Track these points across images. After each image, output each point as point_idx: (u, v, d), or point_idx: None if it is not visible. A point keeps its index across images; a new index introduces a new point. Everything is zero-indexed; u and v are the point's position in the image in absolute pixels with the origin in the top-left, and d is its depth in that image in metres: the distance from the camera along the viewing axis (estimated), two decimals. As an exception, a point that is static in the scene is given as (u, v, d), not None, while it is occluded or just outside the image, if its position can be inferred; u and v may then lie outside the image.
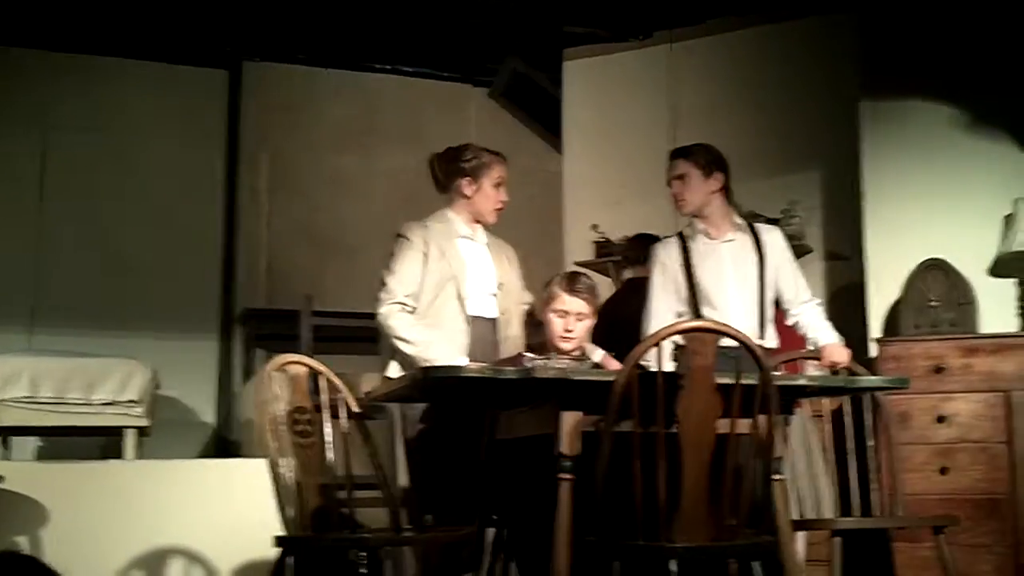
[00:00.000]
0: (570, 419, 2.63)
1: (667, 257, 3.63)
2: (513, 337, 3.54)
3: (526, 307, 3.66)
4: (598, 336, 4.33)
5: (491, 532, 3.20)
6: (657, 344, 2.51)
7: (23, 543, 4.06)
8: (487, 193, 3.56)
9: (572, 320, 3.28)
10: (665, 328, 2.57)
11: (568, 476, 2.59)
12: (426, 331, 3.35)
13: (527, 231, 6.40)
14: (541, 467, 2.71)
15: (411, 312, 3.40)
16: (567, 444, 2.61)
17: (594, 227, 5.67)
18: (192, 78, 6.50)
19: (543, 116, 6.84)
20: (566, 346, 3.26)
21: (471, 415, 3.16)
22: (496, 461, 3.11)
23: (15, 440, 5.17)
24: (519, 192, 6.69)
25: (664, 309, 3.58)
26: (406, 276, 3.43)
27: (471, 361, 3.30)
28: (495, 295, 3.52)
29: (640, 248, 4.50)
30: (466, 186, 3.56)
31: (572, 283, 3.29)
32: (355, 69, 6.82)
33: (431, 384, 2.79)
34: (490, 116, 7.05)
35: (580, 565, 2.59)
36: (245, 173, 6.59)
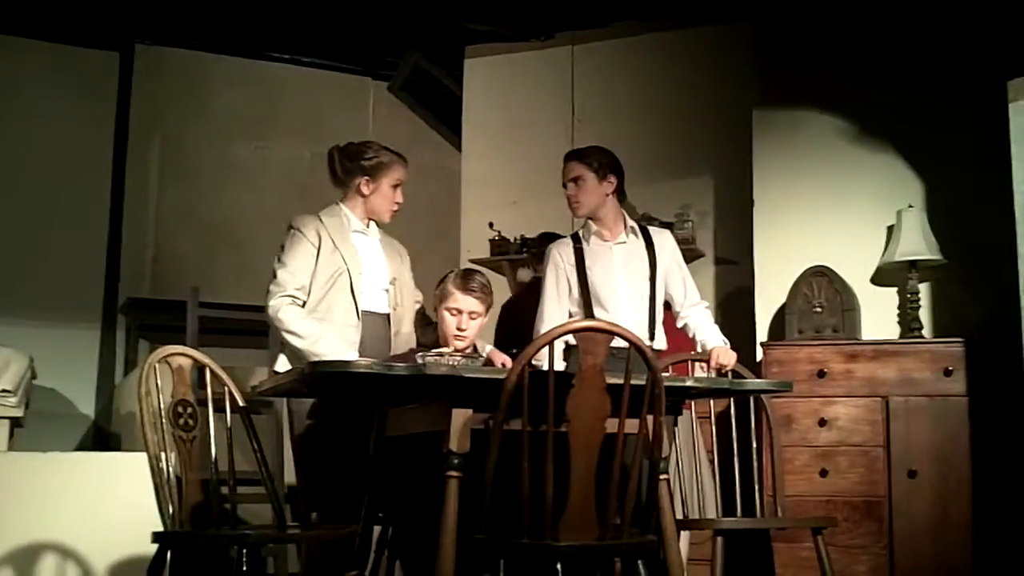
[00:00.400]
0: (460, 416, 2.61)
1: (560, 258, 3.65)
2: (405, 334, 3.50)
3: (418, 305, 3.63)
4: (501, 333, 4.33)
5: (377, 530, 3.16)
6: (549, 343, 2.51)
7: None
8: (384, 193, 3.52)
9: (465, 319, 3.27)
10: (557, 327, 2.57)
11: (456, 474, 2.58)
12: (316, 325, 3.29)
13: (424, 227, 6.39)
14: (429, 465, 2.69)
15: (301, 306, 3.33)
16: (456, 441, 2.60)
17: (491, 225, 5.67)
18: (84, 58, 6.28)
19: (443, 112, 6.81)
20: (459, 344, 3.25)
21: (360, 411, 3.11)
22: (384, 458, 3.07)
23: None
24: (417, 188, 6.64)
25: (556, 309, 3.61)
26: (297, 269, 3.36)
27: (361, 356, 3.25)
28: (387, 290, 3.48)
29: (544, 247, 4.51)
30: (364, 184, 3.51)
31: (466, 281, 3.28)
32: (253, 57, 6.69)
33: (320, 379, 2.73)
34: (389, 110, 6.99)
35: (467, 564, 2.57)
36: (134, 158, 6.39)
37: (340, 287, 3.37)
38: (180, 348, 3.18)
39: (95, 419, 6.07)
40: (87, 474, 4.18)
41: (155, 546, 2.89)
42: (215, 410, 3.13)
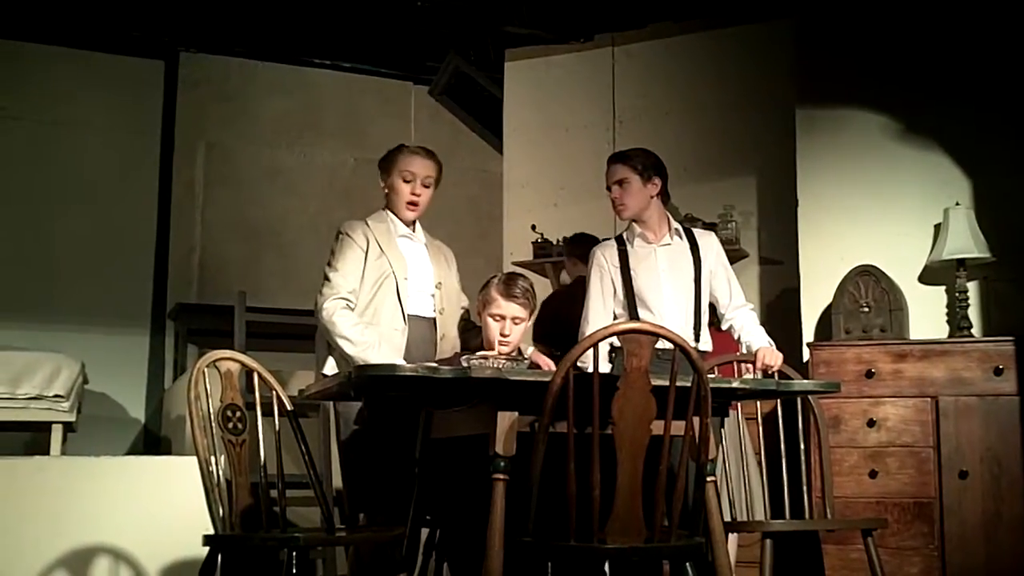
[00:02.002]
0: (505, 419, 2.62)
1: (605, 260, 3.64)
2: (451, 337, 3.52)
3: (463, 310, 3.64)
4: (544, 333, 4.32)
5: (425, 532, 3.18)
6: (594, 346, 2.51)
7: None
8: (396, 187, 3.52)
9: (508, 324, 3.27)
10: (601, 329, 2.57)
11: (502, 476, 2.58)
12: (368, 332, 3.30)
13: (466, 230, 6.42)
14: (476, 467, 2.70)
15: (353, 309, 3.36)
16: (502, 444, 2.60)
17: (533, 227, 5.68)
18: (129, 68, 6.38)
19: (484, 116, 6.83)
20: (503, 349, 3.25)
21: (406, 414, 3.13)
22: (431, 460, 3.08)
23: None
24: (458, 191, 6.73)
25: (601, 311, 3.60)
26: (348, 272, 3.38)
27: (407, 361, 3.27)
28: (433, 295, 3.50)
29: (586, 246, 4.49)
30: (383, 183, 3.55)
31: (509, 287, 3.28)
32: (295, 63, 6.76)
33: (366, 382, 2.75)
34: (430, 114, 7.03)
35: (514, 566, 2.58)
36: (180, 165, 6.48)
37: (386, 291, 3.39)
38: (228, 353, 3.21)
39: (145, 423, 6.16)
40: (138, 478, 4.25)
41: (206, 549, 2.92)
42: (263, 414, 3.16)
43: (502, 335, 3.26)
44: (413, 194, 3.50)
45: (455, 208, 6.64)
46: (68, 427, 4.79)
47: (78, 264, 6.03)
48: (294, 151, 6.69)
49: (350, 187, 6.51)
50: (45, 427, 4.74)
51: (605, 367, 3.28)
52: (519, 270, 5.01)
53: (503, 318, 3.26)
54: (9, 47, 6.04)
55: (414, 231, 3.57)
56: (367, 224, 3.49)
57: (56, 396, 4.66)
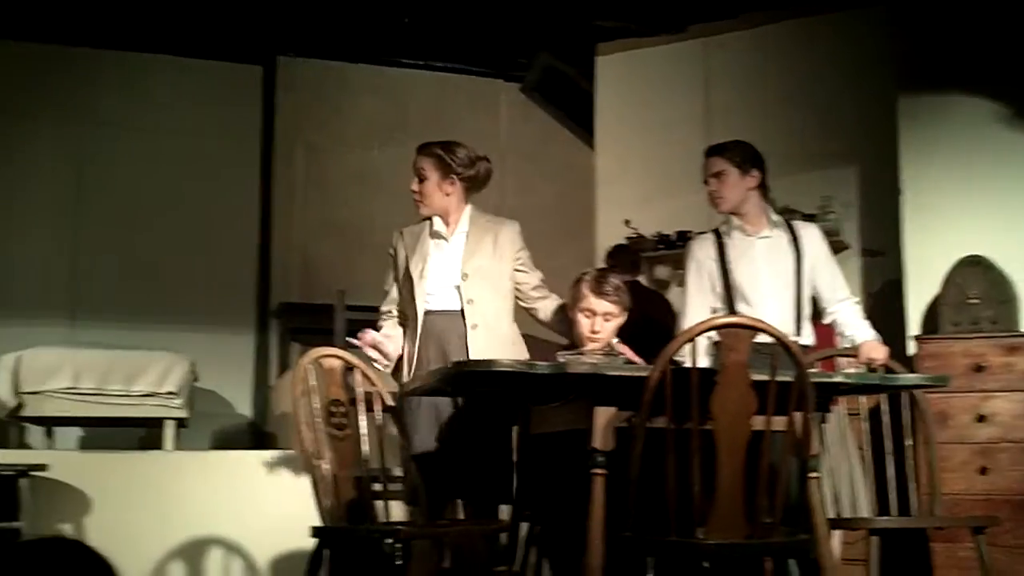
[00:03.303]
0: (603, 415, 2.63)
1: (702, 253, 3.61)
2: (488, 325, 3.47)
3: (535, 281, 3.62)
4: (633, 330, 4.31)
5: (524, 527, 3.20)
6: (691, 340, 2.49)
7: (67, 530, 4.14)
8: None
9: (599, 321, 3.26)
10: (699, 324, 2.56)
11: (601, 471, 2.59)
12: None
13: (556, 225, 6.43)
14: (574, 462, 2.71)
15: (395, 317, 3.62)
16: (600, 439, 2.61)
17: (627, 223, 5.65)
18: (227, 74, 6.56)
19: (574, 111, 6.82)
20: (593, 346, 3.25)
21: (504, 409, 3.16)
22: (530, 455, 3.11)
23: (56, 430, 5.26)
24: (549, 187, 6.74)
25: (699, 305, 3.57)
26: (388, 284, 3.66)
27: (421, 355, 3.43)
28: (458, 286, 3.51)
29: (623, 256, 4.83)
30: None
31: (600, 284, 3.27)
32: (387, 64, 6.85)
33: (463, 378, 2.79)
34: (521, 111, 7.05)
35: (613, 561, 2.59)
36: (280, 168, 6.63)
37: (407, 293, 3.55)
38: (331, 350, 3.29)
39: (252, 419, 6.34)
40: (248, 471, 4.39)
41: (313, 540, 3.01)
42: (365, 409, 3.23)
43: (593, 331, 3.26)
44: (412, 190, 3.61)
45: (545, 204, 6.66)
46: (180, 423, 4.96)
47: (186, 267, 6.23)
48: (386, 151, 6.79)
49: (443, 186, 6.57)
50: (158, 423, 4.93)
51: (706, 362, 3.26)
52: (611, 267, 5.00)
53: (594, 314, 3.26)
54: (114, 57, 6.27)
55: (448, 224, 3.60)
56: (401, 232, 3.65)
57: (169, 393, 4.83)
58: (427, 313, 3.49)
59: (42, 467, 4.10)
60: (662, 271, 5.22)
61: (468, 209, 3.61)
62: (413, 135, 6.85)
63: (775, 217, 3.65)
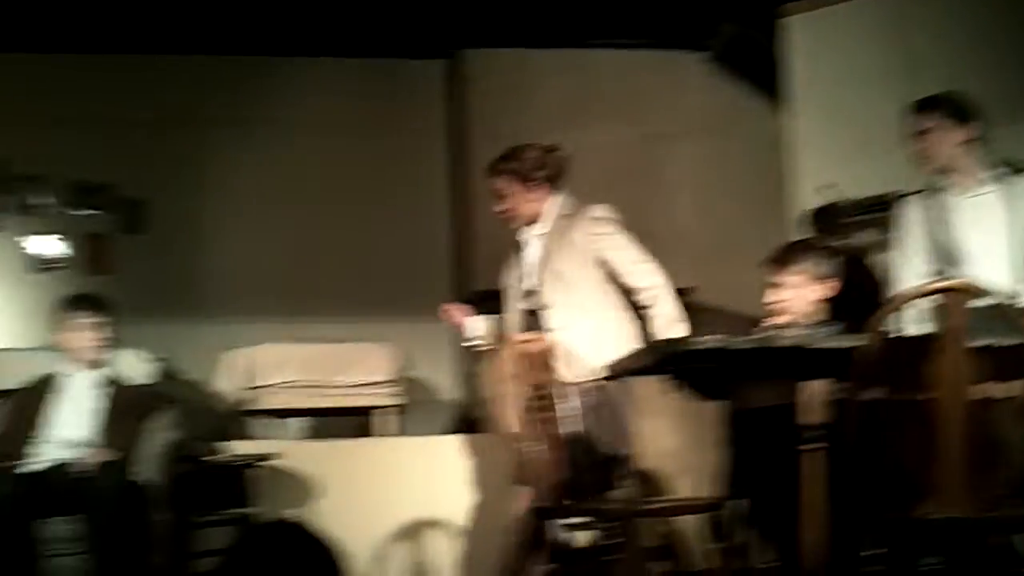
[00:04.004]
0: (810, 388, 2.58)
1: (911, 215, 3.45)
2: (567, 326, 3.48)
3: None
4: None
5: (736, 504, 3.18)
6: (903, 306, 2.41)
7: (296, 514, 4.42)
8: None
9: (781, 292, 3.19)
10: (910, 289, 2.46)
11: (812, 447, 2.54)
12: None
13: (748, 196, 6.28)
14: (781, 438, 2.68)
15: None
16: (809, 414, 2.56)
17: (826, 186, 5.45)
18: (410, 71, 6.78)
19: (763, 78, 6.63)
20: (776, 320, 3.18)
21: (711, 387, 3.16)
22: (738, 432, 3.08)
23: (274, 421, 5.59)
24: (740, 158, 6.57)
25: (910, 269, 3.42)
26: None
27: None
28: (532, 291, 3.55)
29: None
30: None
31: (780, 255, 3.23)
32: (572, 46, 6.87)
33: (669, 357, 2.81)
34: (707, 83, 6.91)
35: (830, 538, 2.54)
36: (469, 160, 6.79)
37: (508, 299, 3.68)
38: (532, 335, 3.37)
39: (461, 404, 6.54)
40: (461, 455, 4.55)
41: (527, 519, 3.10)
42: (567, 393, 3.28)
43: (774, 302, 3.19)
44: (497, 211, 3.63)
45: (737, 175, 6.53)
46: (395, 410, 5.20)
47: (390, 263, 6.48)
48: (574, 134, 6.81)
49: (632, 165, 6.55)
50: (370, 411, 5.19)
51: (913, 329, 3.13)
52: (803, 238, 4.85)
53: (775, 286, 3.20)
54: (307, 63, 6.58)
55: (537, 227, 3.64)
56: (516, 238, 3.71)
57: (386, 382, 5.09)
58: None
59: (273, 456, 4.39)
60: (864, 236, 5.00)
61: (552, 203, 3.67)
62: (600, 116, 6.91)
63: (989, 172, 3.44)
